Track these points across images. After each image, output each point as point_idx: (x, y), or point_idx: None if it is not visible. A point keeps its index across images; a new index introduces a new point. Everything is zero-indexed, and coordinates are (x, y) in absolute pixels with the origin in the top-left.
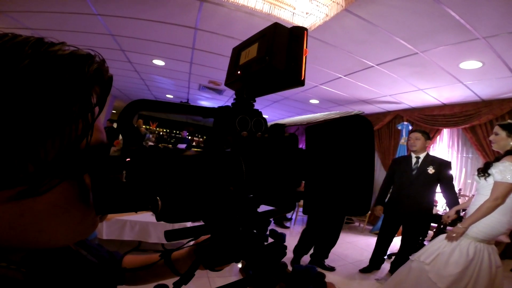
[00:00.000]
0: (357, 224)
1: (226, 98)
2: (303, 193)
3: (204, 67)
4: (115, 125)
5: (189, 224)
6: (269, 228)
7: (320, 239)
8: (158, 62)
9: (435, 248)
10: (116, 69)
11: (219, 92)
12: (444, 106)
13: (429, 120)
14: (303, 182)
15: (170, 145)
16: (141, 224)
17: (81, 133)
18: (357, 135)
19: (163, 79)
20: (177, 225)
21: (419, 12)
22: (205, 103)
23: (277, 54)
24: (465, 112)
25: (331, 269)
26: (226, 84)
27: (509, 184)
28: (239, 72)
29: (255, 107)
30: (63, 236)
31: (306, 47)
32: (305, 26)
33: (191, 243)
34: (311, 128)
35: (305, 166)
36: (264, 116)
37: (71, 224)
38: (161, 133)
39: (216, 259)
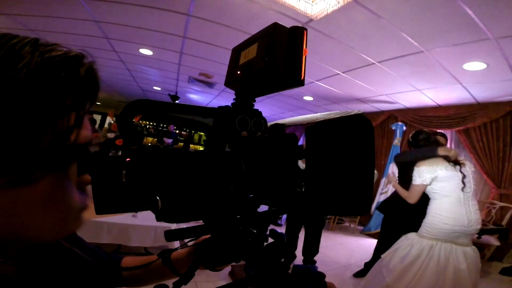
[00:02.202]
0: (347, 224)
1: (217, 92)
2: (303, 193)
3: (195, 58)
4: (95, 116)
5: (173, 226)
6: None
7: (306, 238)
8: (146, 52)
9: (395, 244)
10: (100, 59)
11: (209, 85)
12: (439, 108)
13: (424, 121)
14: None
15: (156, 139)
16: (119, 226)
17: (73, 124)
18: (357, 135)
19: (151, 70)
20: (161, 227)
21: (433, 8)
22: (194, 96)
23: (277, 54)
24: (460, 114)
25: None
26: (226, 84)
27: (414, 185)
28: (239, 72)
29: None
30: (48, 230)
31: (306, 47)
32: (311, 15)
33: (189, 243)
34: (311, 128)
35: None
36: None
37: (55, 217)
38: (147, 127)
39: (216, 259)
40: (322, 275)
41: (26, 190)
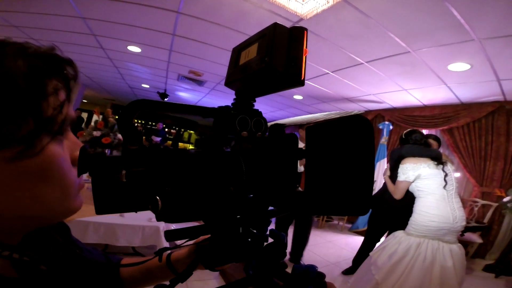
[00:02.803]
0: (336, 222)
1: (207, 90)
2: (303, 193)
3: (184, 55)
4: (83, 114)
5: (162, 226)
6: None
7: (294, 238)
8: (134, 49)
9: (383, 242)
10: (86, 56)
11: (199, 83)
12: (424, 108)
13: (410, 121)
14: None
15: (144, 137)
16: (106, 226)
17: (64, 99)
18: (357, 135)
19: (139, 67)
20: (149, 226)
21: (421, 9)
22: (184, 94)
23: (277, 54)
24: (445, 114)
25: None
26: (226, 84)
27: (398, 181)
28: (239, 72)
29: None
30: (52, 205)
31: (306, 47)
32: (301, 14)
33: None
34: (311, 128)
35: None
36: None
37: (57, 191)
38: (135, 125)
39: (216, 259)
40: (322, 275)
41: (28, 163)
